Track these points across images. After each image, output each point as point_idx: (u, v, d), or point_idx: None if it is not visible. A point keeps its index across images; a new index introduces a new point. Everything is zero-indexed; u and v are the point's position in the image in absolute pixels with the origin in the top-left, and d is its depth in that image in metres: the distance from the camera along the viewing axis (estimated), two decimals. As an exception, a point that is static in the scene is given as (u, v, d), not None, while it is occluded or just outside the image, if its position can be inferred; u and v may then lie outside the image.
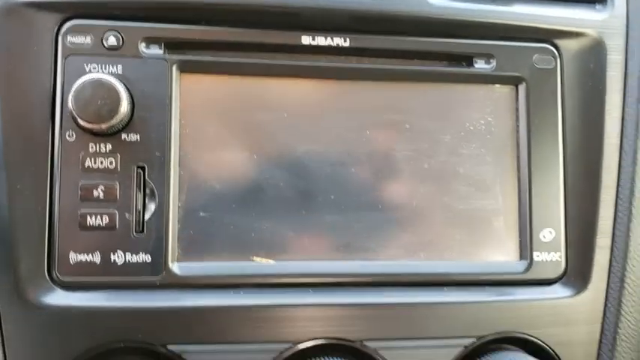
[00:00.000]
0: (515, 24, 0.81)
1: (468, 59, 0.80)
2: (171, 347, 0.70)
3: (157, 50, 0.74)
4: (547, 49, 0.81)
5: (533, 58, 0.81)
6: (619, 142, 0.81)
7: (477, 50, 0.80)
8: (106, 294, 0.70)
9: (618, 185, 0.81)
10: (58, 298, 0.70)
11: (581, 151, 0.81)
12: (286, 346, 0.72)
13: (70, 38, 0.72)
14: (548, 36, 0.82)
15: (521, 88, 0.81)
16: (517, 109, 0.81)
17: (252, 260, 0.74)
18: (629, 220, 0.80)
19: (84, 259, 0.71)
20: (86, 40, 0.73)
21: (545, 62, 0.81)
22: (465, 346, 0.76)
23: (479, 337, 0.76)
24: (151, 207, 0.72)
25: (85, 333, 0.69)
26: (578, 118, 0.81)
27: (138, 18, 0.73)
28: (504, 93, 0.81)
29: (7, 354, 0.69)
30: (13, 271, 0.69)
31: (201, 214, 0.74)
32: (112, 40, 0.73)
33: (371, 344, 0.74)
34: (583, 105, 0.81)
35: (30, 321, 0.69)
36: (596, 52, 0.82)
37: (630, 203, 0.80)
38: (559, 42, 0.82)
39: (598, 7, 0.84)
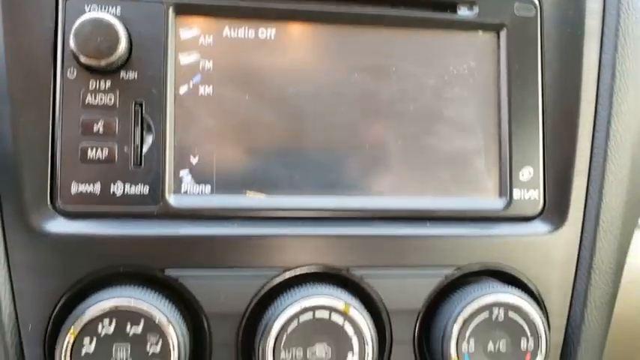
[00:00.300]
0: (498, -28, 0.84)
1: (451, 6, 0.84)
2: (168, 272, 0.74)
3: (154, -7, 0.78)
4: (528, -3, 0.85)
5: (515, 6, 0.85)
6: (596, 86, 0.85)
7: (460, -3, 0.84)
8: (105, 222, 0.74)
9: (594, 127, 0.85)
10: (61, 225, 0.74)
11: (559, 94, 0.85)
12: (277, 272, 0.76)
13: (70, -19, 0.76)
14: (529, -16, 0.85)
15: (503, 34, 0.84)
16: (498, 55, 0.84)
17: (245, 194, 0.78)
18: (605, 160, 0.84)
19: (85, 190, 0.74)
20: (86, -18, 0.76)
21: (526, 10, 0.85)
22: (446, 276, 0.80)
23: (459, 268, 0.80)
24: (149, 141, 0.76)
25: (86, 259, 0.73)
26: (557, 63, 0.85)
27: (136, -39, 0.77)
28: (486, 39, 0.85)
29: (13, 279, 0.73)
30: (19, 200, 0.73)
31: (196, 149, 0.78)
32: (110, -17, 0.76)
33: (356, 272, 0.78)
34: (562, 51, 0.85)
35: (34, 248, 0.73)
36: (575, 1, 0.86)
37: (606, 144, 0.84)
38: (539, -10, 0.85)
39: (577, -44, 0.88)
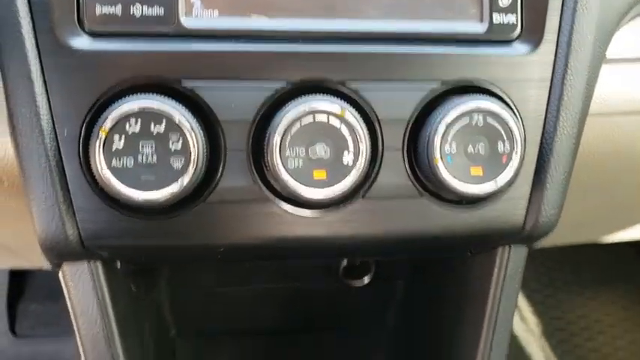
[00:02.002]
0: None
1: None
2: (184, 82, 0.84)
3: None
4: None
5: None
6: None
7: None
8: (127, 40, 0.84)
9: (569, -44, 0.92)
10: (88, 43, 0.83)
11: None
12: (282, 84, 0.86)
13: None
14: None
15: None
16: None
17: (250, 17, 0.87)
18: (577, -13, 0.92)
19: (107, 11, 0.83)
20: None
21: None
22: (432, 90, 0.89)
23: (444, 82, 0.89)
24: (161, -34, 0.84)
25: (112, 72, 0.83)
26: None
27: None
28: None
29: (50, 96, 0.83)
30: (50, 20, 0.82)
31: (205, -24, 0.86)
32: None
33: (352, 85, 0.87)
34: None
35: (66, 65, 0.83)
36: None
37: (578, -28, 0.92)
38: None
39: None
